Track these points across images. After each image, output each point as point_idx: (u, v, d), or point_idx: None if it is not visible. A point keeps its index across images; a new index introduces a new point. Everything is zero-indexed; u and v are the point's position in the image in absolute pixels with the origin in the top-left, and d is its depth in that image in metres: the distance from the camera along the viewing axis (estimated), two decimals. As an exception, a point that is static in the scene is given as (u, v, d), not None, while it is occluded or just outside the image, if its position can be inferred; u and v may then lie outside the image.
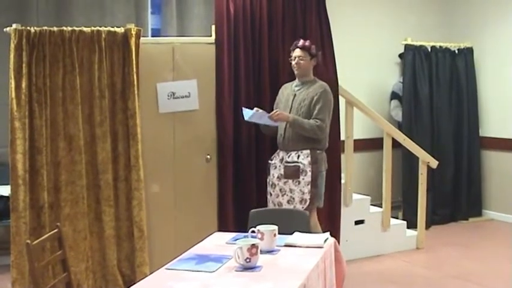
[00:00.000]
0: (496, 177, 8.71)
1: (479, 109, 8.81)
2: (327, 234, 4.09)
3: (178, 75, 5.85)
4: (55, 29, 5.45)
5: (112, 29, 5.62)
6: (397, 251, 7.07)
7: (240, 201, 5.96)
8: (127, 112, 5.62)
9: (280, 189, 5.54)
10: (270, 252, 3.73)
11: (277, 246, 3.81)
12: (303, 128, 5.44)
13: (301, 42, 5.61)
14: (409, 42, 8.29)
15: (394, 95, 8.54)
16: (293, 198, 5.47)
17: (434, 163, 7.27)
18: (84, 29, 5.53)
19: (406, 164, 8.06)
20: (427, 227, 7.64)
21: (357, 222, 6.82)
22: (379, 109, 7.77)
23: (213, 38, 5.96)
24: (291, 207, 5.43)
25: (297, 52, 5.59)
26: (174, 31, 7.57)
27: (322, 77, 5.89)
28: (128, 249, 5.71)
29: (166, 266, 3.51)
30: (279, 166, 5.58)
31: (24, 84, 5.34)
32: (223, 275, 3.35)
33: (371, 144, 8.16)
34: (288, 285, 3.17)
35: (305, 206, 5.43)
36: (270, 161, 5.72)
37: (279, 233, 3.83)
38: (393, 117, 8.46)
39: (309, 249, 3.82)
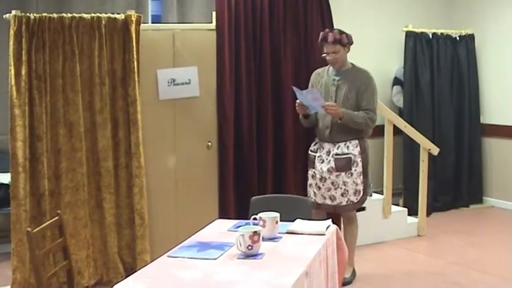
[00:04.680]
0: (497, 165, 8.70)
1: (481, 96, 8.79)
2: (329, 221, 4.07)
3: (178, 62, 5.83)
4: (55, 15, 5.42)
5: (112, 16, 5.59)
6: (398, 238, 7.07)
7: (241, 188, 5.95)
8: (127, 99, 5.60)
9: (333, 183, 5.45)
10: (272, 239, 3.73)
11: (279, 233, 3.80)
12: (355, 122, 5.35)
13: (330, 36, 5.32)
14: (410, 29, 8.25)
15: (396, 81, 8.51)
16: (347, 191, 5.42)
17: (435, 150, 7.26)
18: (84, 15, 5.50)
19: (407, 151, 8.04)
20: (428, 214, 7.64)
21: (358, 210, 6.77)
22: (379, 96, 7.67)
23: (213, 25, 5.93)
24: (345, 199, 5.43)
25: (329, 48, 5.36)
26: (174, 18, 7.52)
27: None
28: (129, 237, 5.71)
29: (167, 254, 3.50)
30: (327, 159, 5.47)
31: (24, 71, 5.32)
32: (225, 263, 3.34)
33: (372, 131, 8.13)
34: (290, 272, 3.16)
35: (359, 198, 5.46)
36: (312, 153, 5.59)
37: (281, 220, 3.82)
38: (394, 103, 8.43)
39: (311, 237, 3.81)
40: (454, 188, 8.63)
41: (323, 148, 5.51)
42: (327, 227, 3.94)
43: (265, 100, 6.04)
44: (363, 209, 6.78)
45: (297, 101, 5.35)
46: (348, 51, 5.50)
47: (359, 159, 5.41)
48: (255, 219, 3.79)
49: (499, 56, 8.58)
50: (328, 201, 5.48)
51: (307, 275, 3.27)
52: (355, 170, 5.40)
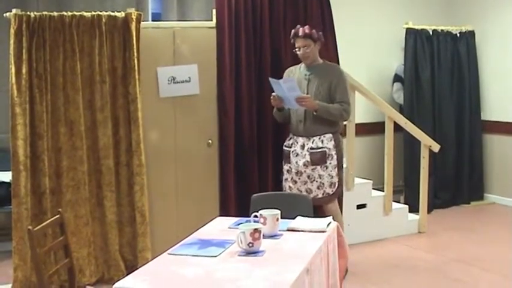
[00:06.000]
0: (497, 161, 8.70)
1: (481, 93, 8.79)
2: (330, 218, 4.08)
3: (178, 60, 5.83)
4: (55, 14, 5.43)
5: (112, 14, 5.59)
6: (399, 235, 7.07)
7: (242, 186, 5.95)
8: (128, 97, 5.60)
9: (309, 176, 5.49)
10: (272, 236, 3.73)
11: (279, 230, 3.81)
12: (330, 113, 5.41)
13: (301, 31, 5.44)
14: (411, 25, 8.24)
15: (397, 78, 8.51)
16: (323, 184, 5.47)
17: (436, 147, 7.25)
18: (85, 13, 5.50)
19: (408, 148, 8.05)
20: (429, 211, 7.64)
21: (359, 207, 6.81)
22: (380, 93, 7.74)
23: (213, 22, 5.93)
24: (321, 192, 5.46)
25: (300, 42, 5.46)
26: (174, 15, 7.53)
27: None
28: (130, 235, 5.72)
29: (168, 251, 3.51)
30: (302, 153, 5.51)
31: (24, 70, 5.33)
32: (226, 260, 3.34)
33: (373, 128, 8.15)
34: (291, 269, 3.16)
35: (334, 189, 5.50)
36: (286, 148, 5.64)
37: (282, 218, 3.82)
38: (395, 100, 8.44)
39: (312, 234, 3.81)
40: (455, 184, 8.62)
41: (297, 142, 5.57)
42: (328, 224, 3.94)
43: (266, 97, 6.01)
44: (364, 206, 6.82)
45: (273, 93, 5.40)
46: (319, 47, 5.57)
47: (333, 153, 5.47)
48: (255, 216, 3.79)
49: (500, 53, 8.58)
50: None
51: (308, 272, 3.28)
52: (330, 163, 5.46)
